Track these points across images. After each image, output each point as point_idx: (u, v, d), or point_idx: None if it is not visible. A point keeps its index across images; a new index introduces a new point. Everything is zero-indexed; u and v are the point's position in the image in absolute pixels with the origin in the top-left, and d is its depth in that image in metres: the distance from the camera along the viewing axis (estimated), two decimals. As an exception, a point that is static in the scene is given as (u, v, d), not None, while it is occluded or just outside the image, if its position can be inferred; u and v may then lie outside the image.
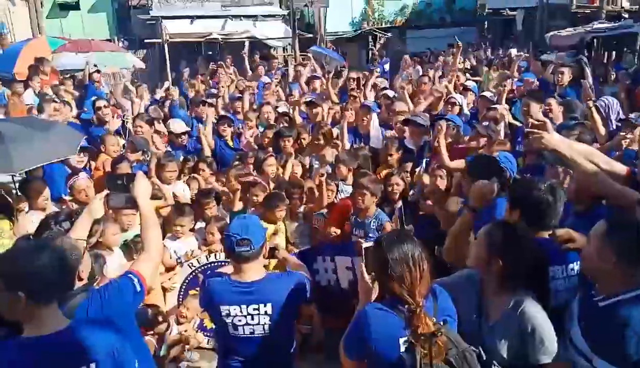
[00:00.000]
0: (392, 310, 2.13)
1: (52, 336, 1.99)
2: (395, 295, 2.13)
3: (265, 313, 2.63)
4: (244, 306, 2.64)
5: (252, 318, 2.65)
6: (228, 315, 2.66)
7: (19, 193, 4.34)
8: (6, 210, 4.09)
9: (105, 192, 2.94)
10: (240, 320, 2.66)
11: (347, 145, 5.66)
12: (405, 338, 2.07)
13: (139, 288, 2.42)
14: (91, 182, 4.58)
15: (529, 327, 2.20)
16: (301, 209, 4.80)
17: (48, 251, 2.10)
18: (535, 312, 2.22)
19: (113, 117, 6.22)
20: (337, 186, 4.81)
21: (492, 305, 2.38)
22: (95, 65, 9.12)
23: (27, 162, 3.88)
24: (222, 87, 8.21)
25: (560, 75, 6.96)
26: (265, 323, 2.66)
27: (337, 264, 4.10)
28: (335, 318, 3.87)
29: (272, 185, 5.02)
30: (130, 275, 2.45)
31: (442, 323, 2.11)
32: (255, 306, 2.63)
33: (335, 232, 4.30)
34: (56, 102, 6.29)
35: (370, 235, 4.08)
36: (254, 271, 2.67)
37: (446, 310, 2.25)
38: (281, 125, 6.13)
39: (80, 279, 2.44)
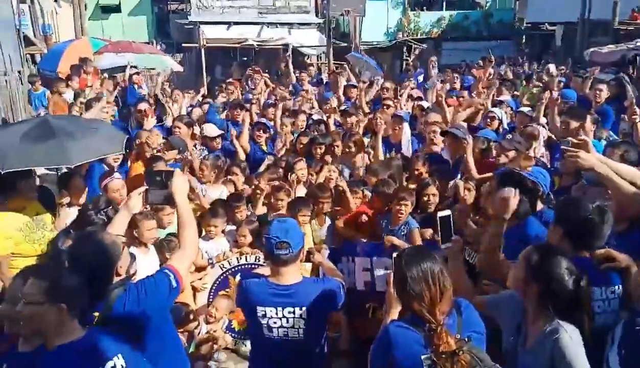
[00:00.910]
0: (413, 328, 2.11)
1: (74, 344, 2.09)
2: (415, 312, 2.12)
3: (300, 316, 2.64)
4: (279, 308, 2.65)
5: (287, 321, 2.66)
6: (264, 316, 2.67)
7: (61, 188, 4.45)
8: (49, 203, 4.20)
9: (144, 187, 2.95)
10: (275, 322, 2.67)
11: (382, 155, 5.64)
12: (428, 356, 2.05)
13: (174, 284, 2.46)
14: (124, 184, 4.64)
15: (561, 357, 2.13)
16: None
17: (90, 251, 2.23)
18: (570, 342, 2.13)
19: (148, 116, 6.31)
20: (363, 192, 4.76)
21: (530, 328, 2.33)
22: (135, 67, 9.35)
23: (81, 156, 3.98)
24: (258, 92, 8.30)
25: (598, 92, 6.80)
26: (299, 327, 2.66)
27: (355, 265, 4.08)
28: (354, 320, 3.88)
29: (303, 189, 5.02)
30: (166, 270, 2.50)
31: (466, 339, 2.07)
32: (291, 309, 2.64)
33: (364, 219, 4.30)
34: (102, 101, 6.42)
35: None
36: (291, 274, 2.69)
37: (472, 325, 2.20)
38: (315, 133, 6.14)
39: (118, 275, 2.49)
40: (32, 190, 3.92)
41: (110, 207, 3.36)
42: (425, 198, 4.41)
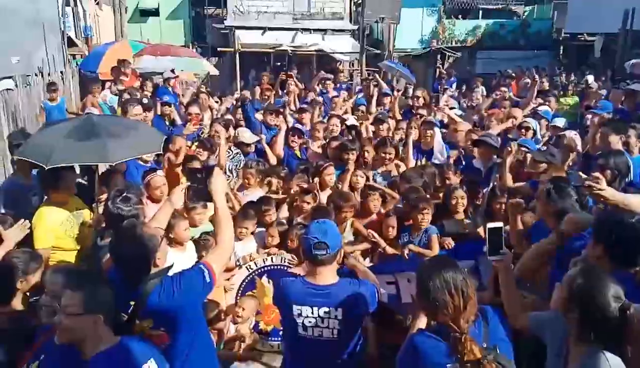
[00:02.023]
0: (438, 337, 2.11)
1: (109, 351, 2.19)
2: (440, 322, 2.12)
3: (336, 317, 2.65)
4: (315, 308, 2.66)
5: (322, 321, 2.67)
6: (299, 315, 2.69)
7: (100, 184, 4.58)
8: (88, 197, 4.33)
9: (186, 184, 3.07)
10: (310, 322, 2.69)
11: (412, 162, 5.62)
12: (453, 365, 2.04)
13: (208, 280, 2.54)
14: (165, 181, 4.74)
15: None
16: (348, 223, 4.75)
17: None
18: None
19: (191, 122, 6.42)
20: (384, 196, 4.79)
21: (572, 350, 2.25)
22: (172, 70, 9.55)
23: (120, 155, 4.12)
24: (291, 98, 8.39)
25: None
26: (334, 328, 2.67)
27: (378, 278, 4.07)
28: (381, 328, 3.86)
29: (326, 194, 5.03)
30: (201, 266, 2.58)
31: (492, 348, 2.06)
32: (327, 309, 2.65)
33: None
34: (140, 104, 6.57)
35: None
36: (328, 275, 2.70)
37: (499, 333, 2.19)
38: (346, 138, 6.16)
39: (156, 266, 2.59)
40: (73, 186, 4.08)
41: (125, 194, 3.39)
42: (454, 202, 4.39)
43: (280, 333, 4.06)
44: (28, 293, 2.96)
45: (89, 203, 4.30)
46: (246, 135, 6.30)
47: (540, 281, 3.18)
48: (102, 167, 4.96)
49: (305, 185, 5.00)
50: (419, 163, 5.86)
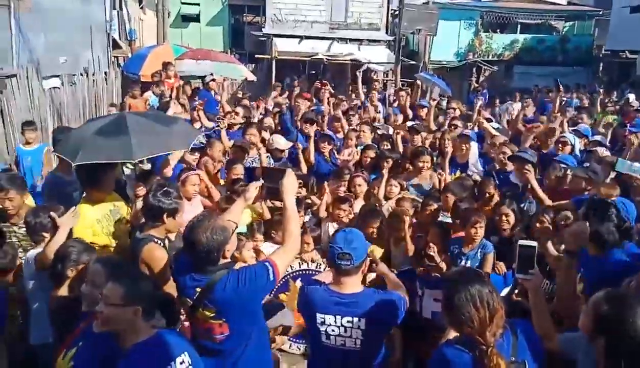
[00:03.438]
0: (466, 349, 2.10)
1: (146, 342, 2.28)
2: (466, 334, 2.11)
3: (359, 327, 2.63)
4: (339, 317, 2.65)
5: (345, 331, 2.65)
6: (323, 323, 2.68)
7: (138, 181, 4.71)
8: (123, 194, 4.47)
9: (261, 181, 3.22)
10: (333, 330, 2.67)
11: (449, 175, 5.63)
12: None
13: (271, 278, 2.61)
14: (200, 180, 4.86)
15: None
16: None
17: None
18: None
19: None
20: (439, 209, 4.71)
21: None
22: (211, 74, 9.78)
23: (145, 151, 4.17)
24: (326, 105, 8.51)
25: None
26: (357, 338, 2.65)
27: (424, 294, 4.06)
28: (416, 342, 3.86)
29: (361, 203, 5.07)
30: (267, 263, 2.66)
31: (520, 362, 2.05)
32: (350, 319, 2.63)
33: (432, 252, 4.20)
34: (178, 104, 6.77)
35: (476, 265, 3.97)
36: (352, 284, 2.68)
37: (528, 347, 2.16)
38: (383, 147, 6.22)
39: (225, 258, 2.70)
40: (112, 183, 4.14)
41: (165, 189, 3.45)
42: (498, 218, 4.32)
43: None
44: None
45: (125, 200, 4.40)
46: (281, 142, 6.40)
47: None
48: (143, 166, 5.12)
49: (341, 193, 5.05)
50: (453, 176, 5.86)
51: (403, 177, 5.65)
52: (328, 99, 9.33)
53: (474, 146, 6.34)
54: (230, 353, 2.63)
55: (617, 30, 20.73)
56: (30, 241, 3.65)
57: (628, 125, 7.49)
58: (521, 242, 2.54)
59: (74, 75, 11.15)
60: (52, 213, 3.48)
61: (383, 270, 3.17)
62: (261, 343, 2.76)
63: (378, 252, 4.49)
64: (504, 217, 4.34)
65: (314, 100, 10.07)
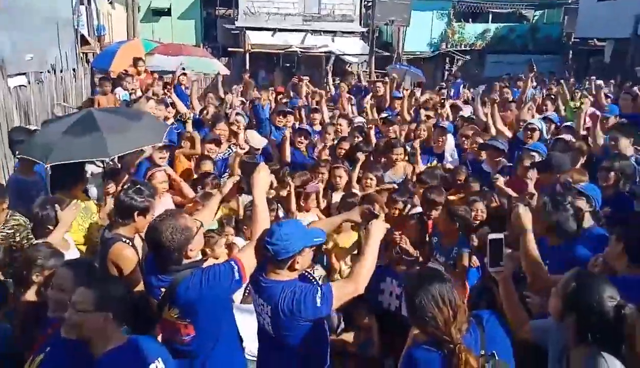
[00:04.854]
0: (434, 348, 2.08)
1: (118, 350, 2.22)
2: (432, 335, 2.10)
3: (267, 313, 2.62)
4: (259, 297, 2.66)
5: (261, 312, 2.67)
6: (255, 301, 2.72)
7: (107, 179, 4.63)
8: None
9: (237, 177, 3.18)
10: (258, 309, 2.70)
11: (421, 165, 5.66)
12: None
13: (237, 277, 2.53)
14: (167, 177, 4.77)
15: None
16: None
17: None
18: None
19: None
20: (406, 204, 4.67)
21: (572, 355, 2.24)
22: (183, 69, 9.62)
23: (119, 148, 4.11)
24: (303, 99, 8.48)
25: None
26: (268, 323, 2.64)
27: (393, 289, 4.08)
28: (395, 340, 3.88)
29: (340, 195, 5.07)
30: (233, 262, 2.58)
31: (490, 354, 2.05)
32: (262, 302, 2.63)
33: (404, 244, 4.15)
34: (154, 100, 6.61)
35: (450, 263, 3.97)
36: (276, 272, 2.61)
37: (496, 338, 2.17)
38: (357, 139, 6.22)
39: (188, 257, 2.63)
40: (84, 182, 4.10)
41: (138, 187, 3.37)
42: (473, 214, 4.25)
43: None
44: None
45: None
46: (255, 140, 6.34)
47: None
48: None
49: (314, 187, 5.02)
50: (430, 165, 5.89)
51: (378, 169, 5.66)
52: (306, 92, 9.30)
53: (450, 137, 6.42)
54: (197, 354, 2.58)
55: (586, 18, 21.09)
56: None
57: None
58: (491, 236, 2.58)
59: (41, 72, 10.86)
60: (56, 206, 3.40)
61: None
62: (231, 343, 2.71)
63: (347, 239, 4.51)
64: (479, 213, 4.27)
65: (291, 94, 10.03)
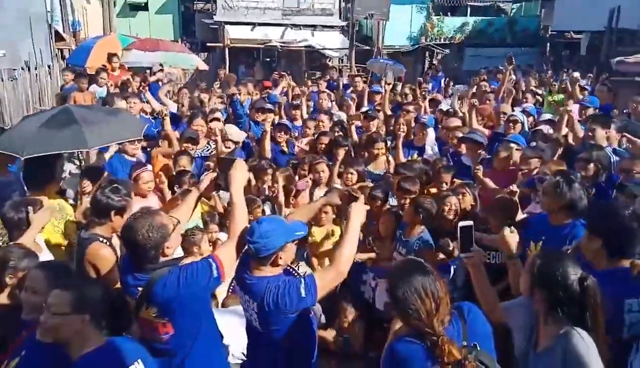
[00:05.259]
0: (418, 340, 2.10)
1: (96, 352, 2.18)
2: (414, 327, 2.12)
3: (253, 309, 2.62)
4: (244, 294, 2.67)
5: (247, 308, 2.69)
6: (242, 297, 2.72)
7: (83, 177, 4.54)
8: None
9: (214, 173, 3.12)
10: (245, 305, 2.72)
11: (402, 158, 5.67)
12: None
13: (215, 275, 2.51)
14: (152, 176, 4.72)
15: (575, 361, 2.10)
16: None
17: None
18: (583, 345, 2.11)
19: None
20: (386, 195, 4.70)
21: (542, 332, 2.32)
22: (160, 64, 9.50)
23: (98, 141, 4.08)
24: (280, 93, 8.43)
25: (635, 105, 6.73)
26: (255, 318, 2.65)
27: (378, 284, 4.10)
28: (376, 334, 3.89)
29: (324, 190, 5.05)
30: (210, 259, 2.55)
31: (472, 346, 2.06)
32: (248, 298, 2.65)
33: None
34: (127, 98, 6.51)
35: (411, 255, 3.93)
36: (260, 269, 2.62)
37: (478, 329, 2.19)
38: (336, 134, 6.20)
39: (164, 255, 2.60)
40: (59, 180, 4.02)
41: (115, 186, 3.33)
42: (447, 208, 4.18)
43: None
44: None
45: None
46: (234, 134, 6.29)
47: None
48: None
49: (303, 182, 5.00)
50: (411, 158, 5.90)
51: (360, 164, 5.66)
52: (285, 87, 9.25)
53: (431, 130, 6.46)
54: (176, 353, 2.55)
55: (562, 11, 21.33)
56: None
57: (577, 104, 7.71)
58: (461, 223, 2.65)
59: (14, 69, 10.64)
60: (29, 208, 3.31)
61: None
62: (210, 341, 2.68)
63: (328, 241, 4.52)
64: (452, 206, 4.16)
65: (273, 90, 9.97)
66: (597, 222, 2.65)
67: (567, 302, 2.19)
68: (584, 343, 2.11)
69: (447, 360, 1.99)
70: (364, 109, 7.63)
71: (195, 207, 3.18)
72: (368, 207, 2.94)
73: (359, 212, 2.77)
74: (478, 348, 2.07)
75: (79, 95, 8.15)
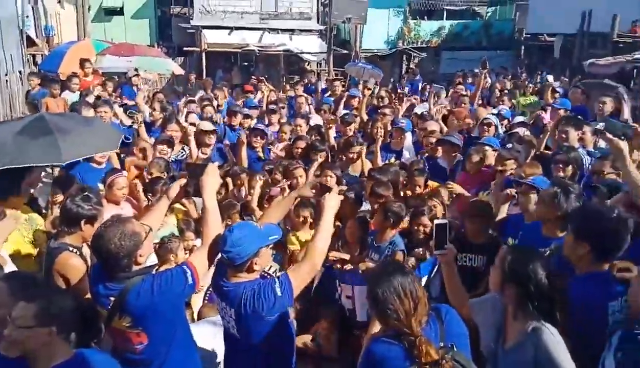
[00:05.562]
0: (395, 341, 2.10)
1: (63, 365, 2.13)
2: (393, 327, 2.13)
3: (231, 316, 2.61)
4: (221, 301, 2.67)
5: (224, 315, 2.68)
6: (219, 304, 2.72)
7: (55, 188, 4.44)
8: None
9: (183, 180, 3.06)
10: (223, 313, 2.70)
11: (380, 162, 5.69)
12: None
13: (190, 281, 2.49)
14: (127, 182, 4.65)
15: (545, 356, 2.13)
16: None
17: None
18: (552, 341, 2.14)
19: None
20: (359, 198, 4.61)
21: (510, 328, 2.35)
22: (136, 69, 9.39)
23: (74, 154, 3.98)
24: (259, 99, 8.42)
25: (601, 105, 6.87)
26: (232, 325, 2.65)
27: (343, 290, 4.06)
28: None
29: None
30: (185, 266, 2.53)
31: (449, 346, 2.08)
32: (225, 305, 2.64)
33: (333, 258, 3.94)
34: (98, 106, 6.40)
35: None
36: (235, 276, 2.60)
37: (454, 330, 2.21)
38: (313, 138, 6.19)
39: (138, 263, 2.54)
40: (27, 191, 3.89)
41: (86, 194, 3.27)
42: (416, 228, 4.06)
43: None
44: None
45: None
46: (207, 125, 6.22)
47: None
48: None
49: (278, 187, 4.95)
50: (388, 162, 5.91)
51: (337, 168, 5.64)
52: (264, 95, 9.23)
53: (408, 135, 6.49)
54: (151, 362, 2.52)
55: (536, 14, 21.71)
56: None
57: (549, 107, 7.82)
58: (436, 221, 2.74)
59: (-16, 75, 10.41)
60: None
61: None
62: (185, 349, 2.66)
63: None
64: (421, 227, 4.02)
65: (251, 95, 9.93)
66: (584, 227, 2.59)
67: (538, 297, 2.22)
68: (554, 339, 2.14)
69: (425, 360, 2.00)
70: (342, 113, 7.65)
71: (166, 214, 3.14)
72: (342, 198, 2.94)
73: (332, 203, 2.78)
74: (455, 349, 2.08)
75: (51, 102, 8.01)
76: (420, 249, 3.70)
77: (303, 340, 4.07)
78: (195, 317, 4.21)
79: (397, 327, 2.10)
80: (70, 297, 2.41)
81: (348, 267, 3.94)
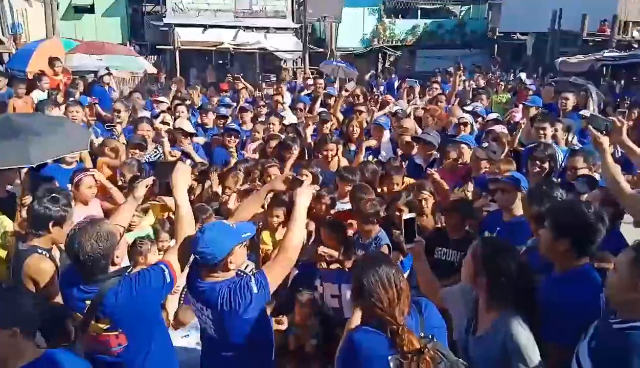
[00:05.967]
0: (378, 330, 2.14)
1: (30, 365, 2.10)
2: (377, 316, 2.16)
3: (208, 316, 2.59)
4: (197, 302, 2.62)
5: (201, 316, 2.64)
6: (194, 305, 2.69)
7: (24, 189, 4.33)
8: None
9: (151, 178, 3.01)
10: (199, 314, 2.67)
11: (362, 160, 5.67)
12: (395, 357, 2.07)
13: (168, 279, 2.48)
14: (94, 181, 4.55)
15: (513, 347, 2.18)
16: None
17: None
18: (520, 332, 2.20)
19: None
20: (333, 201, 4.57)
21: (481, 318, 2.39)
22: (107, 68, 9.20)
23: (43, 155, 3.90)
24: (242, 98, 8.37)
25: (564, 101, 7.00)
26: (210, 326, 2.62)
27: (324, 289, 4.02)
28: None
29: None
30: (162, 265, 2.52)
31: (429, 337, 2.11)
32: (202, 306, 2.60)
33: (324, 253, 3.92)
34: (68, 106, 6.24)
35: None
36: (211, 275, 2.55)
37: (433, 322, 2.26)
38: (288, 135, 6.14)
39: (114, 264, 2.50)
40: None
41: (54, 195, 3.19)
42: (396, 213, 4.06)
43: None
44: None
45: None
46: (185, 124, 6.13)
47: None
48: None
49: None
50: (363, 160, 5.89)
51: (313, 166, 5.60)
52: (240, 90, 9.14)
53: (387, 134, 6.48)
54: (130, 363, 2.48)
55: (509, 13, 22.11)
56: None
57: (521, 104, 7.92)
58: (405, 216, 2.79)
59: (-53, 74, 10.02)
60: None
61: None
62: (164, 349, 2.63)
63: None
64: (397, 213, 4.05)
65: (229, 93, 9.85)
66: (564, 223, 2.52)
67: (509, 289, 2.27)
68: (524, 331, 2.21)
69: (407, 349, 2.04)
70: (318, 111, 7.62)
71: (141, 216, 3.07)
72: (314, 189, 2.92)
73: (304, 195, 2.79)
74: (434, 340, 2.12)
75: (18, 102, 7.78)
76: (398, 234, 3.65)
77: (278, 327, 3.99)
78: (171, 318, 4.13)
79: (381, 315, 2.13)
80: (32, 297, 2.40)
81: (334, 266, 3.93)
